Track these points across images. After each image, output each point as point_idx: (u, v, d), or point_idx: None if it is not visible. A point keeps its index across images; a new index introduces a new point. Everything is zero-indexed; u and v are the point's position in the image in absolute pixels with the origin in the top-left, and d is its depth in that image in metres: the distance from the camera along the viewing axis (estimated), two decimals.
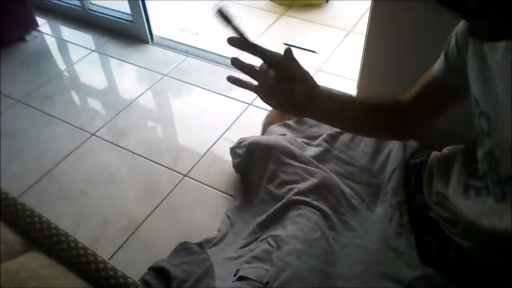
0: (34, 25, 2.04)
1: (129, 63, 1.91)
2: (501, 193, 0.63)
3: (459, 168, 0.77)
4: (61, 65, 1.95)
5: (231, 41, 0.63)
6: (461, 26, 0.66)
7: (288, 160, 1.03)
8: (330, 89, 0.75)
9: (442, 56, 0.73)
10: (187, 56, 1.93)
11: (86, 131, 1.57)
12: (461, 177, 0.76)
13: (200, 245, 1.05)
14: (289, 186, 0.99)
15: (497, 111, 0.59)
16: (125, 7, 1.97)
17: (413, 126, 0.82)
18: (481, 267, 0.72)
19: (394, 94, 1.38)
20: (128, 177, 1.41)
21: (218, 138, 1.52)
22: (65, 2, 2.17)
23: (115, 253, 1.19)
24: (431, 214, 0.82)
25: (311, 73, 0.69)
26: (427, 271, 0.77)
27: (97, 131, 1.58)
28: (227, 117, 1.59)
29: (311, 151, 1.07)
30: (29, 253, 0.62)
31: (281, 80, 0.65)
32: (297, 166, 1.01)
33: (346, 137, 1.08)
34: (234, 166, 1.23)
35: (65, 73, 1.89)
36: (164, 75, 1.83)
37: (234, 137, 1.40)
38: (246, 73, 0.66)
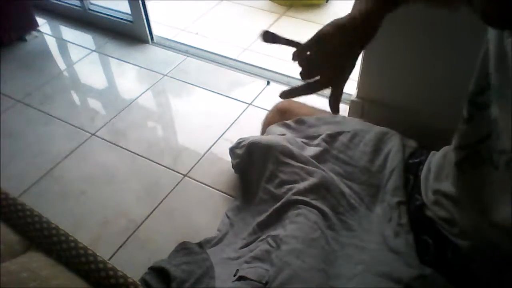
0: (34, 25, 2.04)
1: (129, 63, 1.91)
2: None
3: (454, 167, 0.77)
4: (61, 65, 1.95)
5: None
6: None
7: (288, 160, 1.03)
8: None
9: None
10: (187, 56, 1.93)
11: (86, 131, 1.58)
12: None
13: (200, 245, 1.05)
14: (288, 186, 0.99)
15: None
16: (125, 7, 1.97)
17: None
18: (478, 266, 0.72)
19: (394, 94, 1.37)
20: (128, 177, 1.41)
21: (218, 138, 1.52)
22: (65, 2, 2.17)
23: (115, 253, 1.19)
24: (428, 213, 0.82)
25: None
26: (425, 271, 0.78)
27: (97, 131, 1.58)
28: (227, 117, 1.59)
29: (310, 151, 1.07)
30: (29, 253, 0.62)
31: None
32: (296, 166, 1.02)
33: (345, 137, 1.08)
34: (233, 166, 1.23)
35: (65, 73, 1.89)
36: (164, 75, 1.83)
37: (234, 137, 1.40)
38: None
